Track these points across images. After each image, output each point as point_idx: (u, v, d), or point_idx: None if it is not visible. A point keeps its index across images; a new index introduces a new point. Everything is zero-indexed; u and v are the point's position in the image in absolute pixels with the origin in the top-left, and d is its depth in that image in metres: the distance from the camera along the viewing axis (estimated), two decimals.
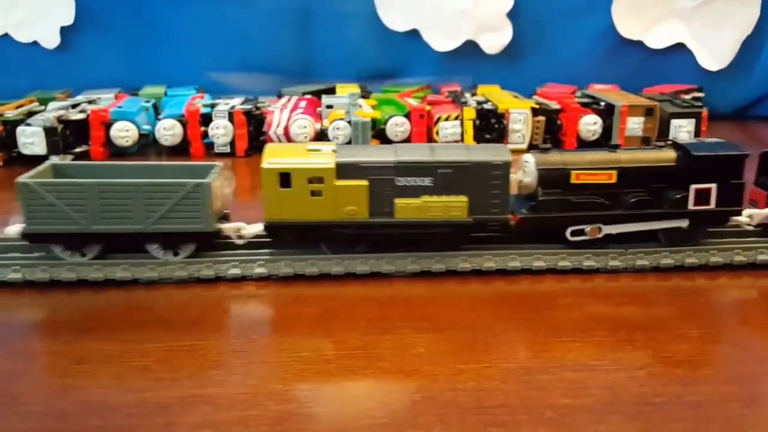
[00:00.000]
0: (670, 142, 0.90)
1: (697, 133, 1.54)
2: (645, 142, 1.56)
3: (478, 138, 1.55)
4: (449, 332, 0.70)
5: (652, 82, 1.92)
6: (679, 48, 1.95)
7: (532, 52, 1.97)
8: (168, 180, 0.80)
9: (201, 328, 0.71)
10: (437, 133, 1.56)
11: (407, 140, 1.58)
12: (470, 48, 1.94)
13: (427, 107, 1.60)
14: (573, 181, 0.84)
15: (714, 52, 1.92)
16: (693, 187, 0.85)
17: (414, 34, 1.93)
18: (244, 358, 0.65)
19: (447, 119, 1.55)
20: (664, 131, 1.55)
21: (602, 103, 1.61)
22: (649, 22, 1.91)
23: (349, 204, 0.80)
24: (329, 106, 1.65)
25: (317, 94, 1.76)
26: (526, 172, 0.86)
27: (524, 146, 1.57)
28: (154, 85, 1.84)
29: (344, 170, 0.80)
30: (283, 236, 0.83)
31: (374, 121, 1.57)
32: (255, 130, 1.55)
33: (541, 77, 1.93)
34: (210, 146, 1.53)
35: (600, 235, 0.85)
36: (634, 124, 1.57)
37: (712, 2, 1.89)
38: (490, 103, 1.60)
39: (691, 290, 0.81)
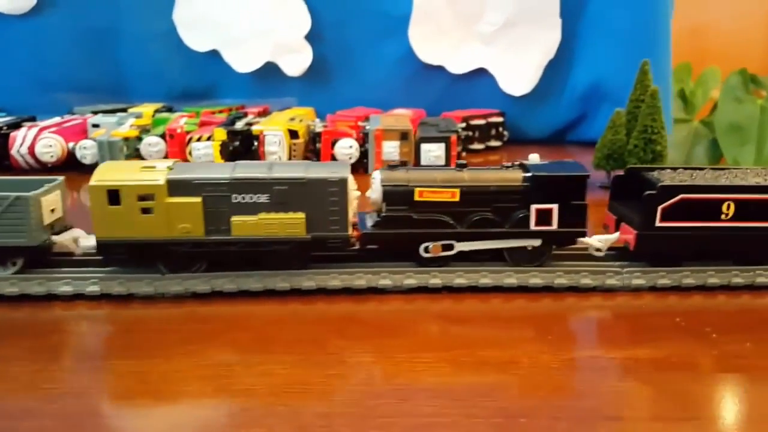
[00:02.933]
0: (518, 163, 0.90)
1: (448, 157, 1.52)
2: (402, 165, 1.53)
3: (232, 160, 1.53)
4: None
5: (459, 106, 1.90)
6: (484, 73, 1.93)
7: (339, 75, 1.95)
8: None
9: None
10: (190, 153, 1.53)
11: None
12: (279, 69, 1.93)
13: (187, 128, 1.58)
14: (416, 198, 0.84)
15: (516, 77, 1.91)
16: (534, 207, 0.84)
17: (216, 54, 1.92)
18: None
19: (199, 140, 1.53)
20: (417, 155, 1.53)
21: (367, 127, 1.59)
22: (450, 48, 1.90)
23: (183, 221, 0.80)
24: (95, 126, 1.63)
25: (113, 113, 1.74)
26: (373, 188, 0.87)
27: None
28: None
29: (176, 187, 0.79)
30: (115, 255, 0.81)
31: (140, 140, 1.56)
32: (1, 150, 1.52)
33: (350, 100, 1.91)
34: None
35: (442, 254, 0.84)
36: (390, 148, 1.54)
37: (512, 27, 1.87)
38: (258, 125, 1.58)
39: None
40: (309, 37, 1.88)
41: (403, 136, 1.55)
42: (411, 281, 0.84)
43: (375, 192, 0.86)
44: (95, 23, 1.89)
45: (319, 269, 0.84)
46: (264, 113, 1.86)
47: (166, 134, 1.55)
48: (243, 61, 1.91)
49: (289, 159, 1.55)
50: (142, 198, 0.79)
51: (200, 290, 0.82)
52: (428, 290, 0.83)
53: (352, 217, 0.85)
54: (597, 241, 0.88)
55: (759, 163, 2.69)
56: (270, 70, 1.93)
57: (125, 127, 1.58)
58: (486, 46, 1.90)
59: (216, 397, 0.59)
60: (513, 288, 0.84)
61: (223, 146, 1.51)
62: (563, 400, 0.58)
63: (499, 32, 1.88)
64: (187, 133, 1.56)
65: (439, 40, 1.88)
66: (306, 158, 1.60)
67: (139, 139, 1.58)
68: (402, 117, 1.70)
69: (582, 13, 1.85)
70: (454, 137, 1.52)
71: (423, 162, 1.52)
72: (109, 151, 1.51)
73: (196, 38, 1.90)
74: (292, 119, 1.68)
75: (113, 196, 0.78)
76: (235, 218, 0.80)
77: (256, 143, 1.54)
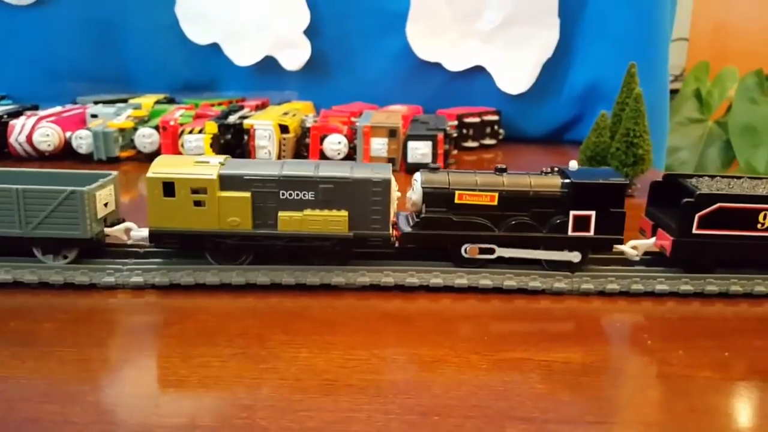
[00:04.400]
0: (557, 169, 0.91)
1: (435, 155, 1.53)
2: (390, 162, 1.55)
3: (224, 153, 1.56)
4: None
5: (457, 103, 1.92)
6: (482, 71, 1.94)
7: (338, 70, 1.98)
8: (45, 187, 0.82)
9: None
10: (182, 146, 1.56)
11: (157, 151, 1.59)
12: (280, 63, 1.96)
13: (181, 120, 1.61)
14: (456, 201, 0.87)
15: (513, 76, 1.91)
16: (572, 213, 0.86)
17: (217, 47, 1.95)
18: None
19: (191, 132, 1.56)
20: (404, 153, 1.54)
21: (357, 124, 1.61)
22: (447, 45, 1.90)
23: (233, 215, 0.83)
24: (94, 116, 1.67)
25: (114, 103, 1.78)
26: (414, 189, 0.89)
27: None
28: None
29: (227, 182, 0.83)
30: (166, 244, 0.86)
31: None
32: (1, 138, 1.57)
33: (349, 95, 1.94)
34: None
35: (479, 256, 0.87)
36: (379, 145, 1.56)
37: (510, 25, 1.88)
38: (249, 119, 1.61)
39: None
40: (308, 32, 1.90)
41: (391, 133, 1.56)
42: (364, 279, 0.86)
43: (416, 193, 0.89)
44: (100, 15, 1.93)
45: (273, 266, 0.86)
46: (263, 106, 1.90)
47: (159, 126, 1.59)
48: (242, 54, 1.94)
49: (279, 154, 1.59)
50: (195, 191, 0.82)
51: (158, 282, 0.84)
52: (380, 288, 0.85)
53: (392, 216, 0.88)
54: (631, 247, 0.90)
55: None
56: (271, 63, 1.96)
57: (121, 118, 1.62)
58: (484, 44, 1.91)
59: (149, 386, 0.62)
60: (464, 288, 0.85)
61: (215, 139, 1.55)
62: (480, 400, 0.60)
63: (496, 31, 1.89)
64: (181, 125, 1.59)
65: (436, 37, 1.89)
66: (297, 154, 1.63)
67: (136, 130, 1.62)
68: (395, 113, 1.71)
69: (580, 14, 1.85)
70: (440, 136, 1.53)
71: (410, 160, 1.54)
72: (103, 141, 1.56)
73: (197, 31, 1.93)
74: (286, 113, 1.70)
75: (168, 188, 0.82)
76: (282, 213, 0.84)
77: (246, 137, 1.57)
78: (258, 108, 1.86)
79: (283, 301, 0.82)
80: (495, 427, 0.56)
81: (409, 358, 0.68)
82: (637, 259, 0.90)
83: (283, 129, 1.59)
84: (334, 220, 0.84)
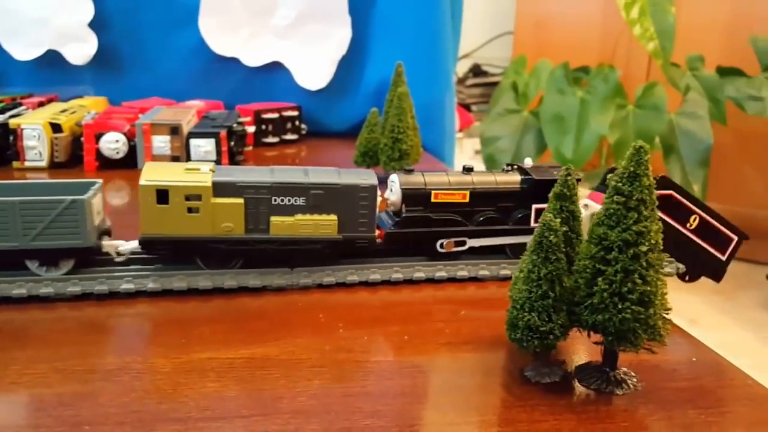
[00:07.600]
0: (516, 167, 1.00)
1: (219, 153, 1.53)
2: (175, 160, 1.52)
3: None
4: None
5: (258, 99, 1.92)
6: (281, 66, 1.95)
7: (131, 64, 1.90)
8: (43, 197, 0.81)
9: None
10: None
11: None
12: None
13: None
14: (433, 200, 0.94)
15: (311, 72, 1.94)
16: (534, 206, 0.95)
17: None
18: None
19: None
20: (186, 150, 1.53)
21: (137, 121, 1.56)
22: (243, 40, 1.90)
23: (226, 221, 0.86)
24: None
25: None
26: (392, 191, 0.96)
27: (44, 164, 1.49)
28: None
29: (221, 189, 0.85)
30: (158, 251, 0.87)
31: None
32: None
33: (145, 90, 1.88)
34: None
35: (455, 249, 0.95)
36: (161, 143, 1.53)
37: (304, 22, 1.90)
38: (17, 118, 1.51)
39: None
40: (93, 25, 1.82)
41: (173, 130, 1.53)
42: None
43: (395, 194, 0.95)
44: None
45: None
46: (49, 103, 1.79)
47: None
48: (22, 49, 1.81)
49: (51, 154, 1.50)
50: (188, 198, 0.84)
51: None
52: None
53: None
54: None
55: (578, 152, 2.91)
56: (58, 58, 1.85)
57: None
58: (279, 40, 1.92)
59: None
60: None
61: None
62: (143, 405, 0.61)
63: (291, 27, 1.90)
64: None
65: (231, 32, 1.87)
66: (73, 154, 1.54)
67: None
68: (186, 110, 1.68)
69: (370, 12, 1.91)
70: (223, 133, 1.52)
71: (194, 158, 1.51)
72: None
73: None
74: (64, 111, 1.62)
75: (162, 195, 0.84)
76: (274, 218, 0.87)
77: (13, 137, 1.48)
78: (42, 104, 1.75)
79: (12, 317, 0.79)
80: (145, 430, 0.57)
81: (90, 368, 0.67)
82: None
83: (56, 128, 1.51)
84: (324, 224, 0.89)
